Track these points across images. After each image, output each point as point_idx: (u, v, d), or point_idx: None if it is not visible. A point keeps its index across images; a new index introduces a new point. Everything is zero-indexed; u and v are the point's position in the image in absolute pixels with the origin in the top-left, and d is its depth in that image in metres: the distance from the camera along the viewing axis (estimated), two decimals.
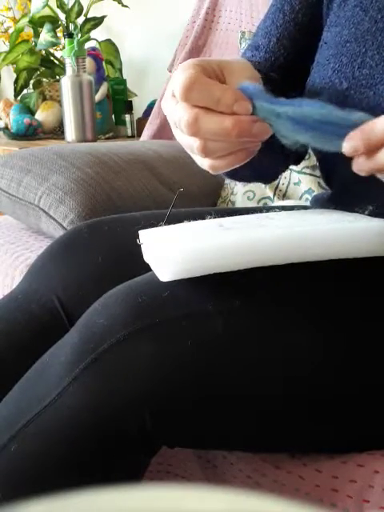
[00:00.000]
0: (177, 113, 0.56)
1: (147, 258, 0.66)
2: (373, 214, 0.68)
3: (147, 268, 0.65)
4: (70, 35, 1.96)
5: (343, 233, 0.61)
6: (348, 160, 0.55)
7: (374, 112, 0.68)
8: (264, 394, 0.60)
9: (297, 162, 0.85)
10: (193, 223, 0.69)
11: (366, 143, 0.52)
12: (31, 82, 2.27)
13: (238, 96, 0.55)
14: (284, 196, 1.33)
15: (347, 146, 0.53)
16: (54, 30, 2.10)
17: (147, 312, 0.59)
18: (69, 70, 1.93)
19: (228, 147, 0.56)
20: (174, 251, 0.59)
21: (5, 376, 0.71)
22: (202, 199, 1.37)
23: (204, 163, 0.59)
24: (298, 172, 1.31)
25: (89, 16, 2.18)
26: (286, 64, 0.81)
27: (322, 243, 0.60)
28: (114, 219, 0.84)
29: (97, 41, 2.19)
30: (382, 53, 0.69)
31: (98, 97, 2.08)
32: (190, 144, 0.57)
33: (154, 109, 1.82)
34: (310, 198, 1.20)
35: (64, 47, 1.97)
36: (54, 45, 2.14)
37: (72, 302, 0.76)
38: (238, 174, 0.72)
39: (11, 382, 0.65)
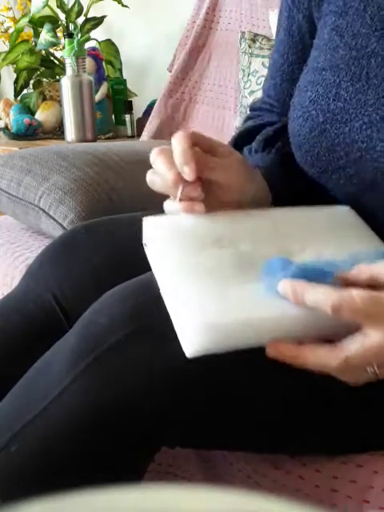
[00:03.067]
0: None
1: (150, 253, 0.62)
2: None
3: (144, 268, 0.65)
4: (70, 35, 1.96)
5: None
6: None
7: (351, 150, 0.65)
8: (264, 393, 0.60)
9: None
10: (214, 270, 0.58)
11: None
12: (31, 82, 2.26)
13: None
14: None
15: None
16: (53, 30, 2.10)
17: (146, 312, 0.59)
18: (69, 70, 1.92)
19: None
20: (201, 332, 0.53)
21: (1, 376, 0.72)
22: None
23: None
24: None
25: (89, 16, 2.18)
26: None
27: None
28: (111, 220, 0.84)
29: (97, 41, 2.19)
30: (356, 84, 0.65)
31: (98, 97, 2.07)
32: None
33: (153, 109, 1.82)
34: None
35: (64, 47, 1.97)
36: (54, 45, 2.14)
37: (69, 303, 0.76)
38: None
39: (7, 381, 0.65)
